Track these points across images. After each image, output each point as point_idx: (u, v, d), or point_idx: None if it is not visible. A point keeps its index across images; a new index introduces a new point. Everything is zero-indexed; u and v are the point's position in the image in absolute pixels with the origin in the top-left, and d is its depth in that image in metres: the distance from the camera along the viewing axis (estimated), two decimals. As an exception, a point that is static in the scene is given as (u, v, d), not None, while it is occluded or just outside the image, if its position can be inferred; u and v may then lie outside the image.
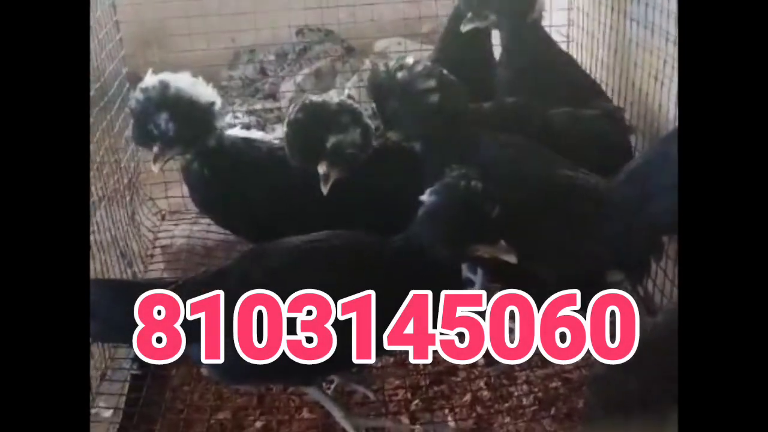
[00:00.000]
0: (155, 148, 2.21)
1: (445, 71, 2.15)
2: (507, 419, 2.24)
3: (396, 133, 2.19)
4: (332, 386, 2.33)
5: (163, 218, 3.36)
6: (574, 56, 3.32)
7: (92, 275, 2.38)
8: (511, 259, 1.79)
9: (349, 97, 2.22)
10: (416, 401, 2.34)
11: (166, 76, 2.20)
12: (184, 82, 2.21)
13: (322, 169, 2.09)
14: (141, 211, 3.26)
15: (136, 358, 2.49)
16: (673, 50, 2.24)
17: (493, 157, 2.03)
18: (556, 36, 3.24)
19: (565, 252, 1.95)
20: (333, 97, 2.18)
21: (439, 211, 1.81)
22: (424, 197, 1.83)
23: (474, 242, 1.83)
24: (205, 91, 2.24)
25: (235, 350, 1.88)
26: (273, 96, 4.36)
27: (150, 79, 2.20)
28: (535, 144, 2.10)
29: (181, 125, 2.17)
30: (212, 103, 2.24)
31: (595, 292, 2.09)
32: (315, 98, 2.16)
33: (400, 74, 2.13)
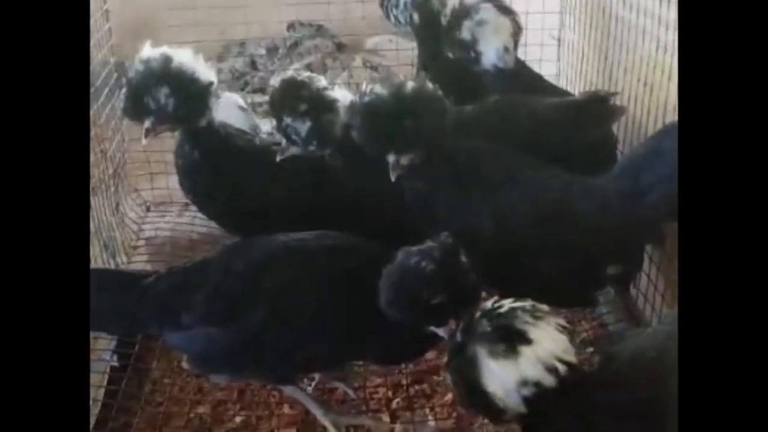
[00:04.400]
0: (147, 122, 2.15)
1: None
2: (486, 419, 2.24)
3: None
4: (313, 383, 2.32)
5: (148, 210, 3.34)
6: (565, 59, 3.35)
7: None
8: None
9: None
10: (397, 400, 2.34)
11: (169, 50, 2.15)
12: (186, 57, 2.16)
13: (392, 156, 1.99)
14: (126, 202, 3.23)
15: (116, 350, 2.48)
16: (662, 56, 2.25)
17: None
18: (547, 39, 3.26)
19: (564, 247, 1.96)
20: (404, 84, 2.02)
21: (390, 285, 1.76)
22: (399, 253, 1.79)
23: (427, 321, 1.78)
24: (205, 70, 2.19)
25: (213, 339, 1.89)
26: (262, 90, 4.33)
27: (151, 51, 2.14)
28: (518, 161, 2.08)
29: (180, 101, 2.12)
30: (211, 83, 2.19)
31: (596, 285, 2.11)
32: (381, 89, 2.00)
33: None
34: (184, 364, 2.10)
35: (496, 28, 2.53)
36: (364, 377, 2.40)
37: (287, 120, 2.19)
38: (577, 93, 3.08)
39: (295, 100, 2.19)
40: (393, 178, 1.98)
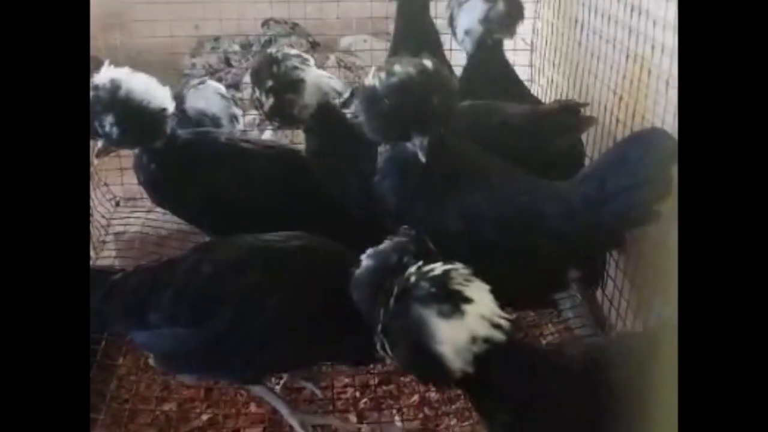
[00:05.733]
0: (99, 144, 2.18)
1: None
2: (453, 421, 2.27)
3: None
4: (281, 382, 2.33)
5: (117, 204, 3.31)
6: (537, 65, 3.38)
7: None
8: None
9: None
10: (364, 400, 2.36)
11: (120, 75, 2.15)
12: (137, 83, 2.16)
13: (418, 140, 1.94)
14: (95, 196, 3.20)
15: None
16: (632, 66, 2.29)
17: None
18: (520, 43, 3.29)
19: (527, 249, 1.98)
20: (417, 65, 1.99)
21: (366, 283, 1.75)
22: (363, 256, 1.79)
23: None
24: (157, 95, 2.20)
25: (179, 339, 1.89)
26: (236, 86, 4.31)
27: (102, 77, 2.15)
28: (488, 162, 2.10)
29: (125, 130, 2.14)
30: (163, 109, 2.20)
31: (557, 288, 2.14)
32: (405, 68, 1.95)
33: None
34: (151, 362, 2.09)
35: (467, 10, 2.71)
36: (331, 377, 2.41)
37: (256, 93, 2.25)
38: (548, 99, 3.13)
39: (264, 75, 2.23)
40: (423, 159, 1.93)
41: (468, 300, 1.45)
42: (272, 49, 2.33)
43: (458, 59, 2.95)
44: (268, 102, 2.22)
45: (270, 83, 2.21)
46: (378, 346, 1.54)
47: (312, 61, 2.32)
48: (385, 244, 1.79)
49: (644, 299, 2.20)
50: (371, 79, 1.97)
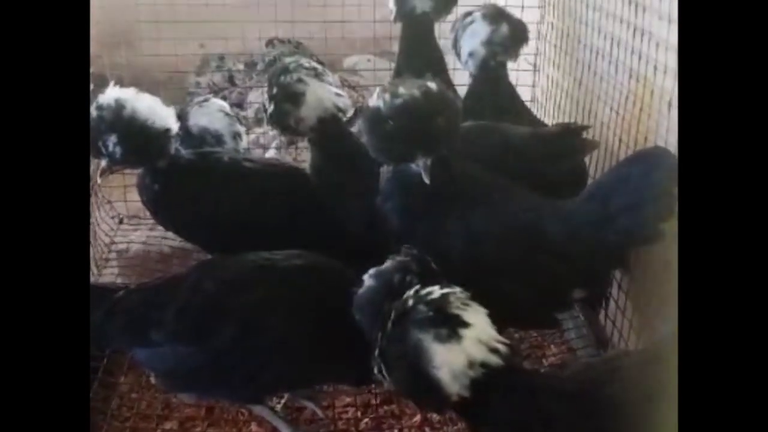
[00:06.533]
0: (103, 163, 2.20)
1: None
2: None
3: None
4: (282, 402, 2.32)
5: (120, 222, 3.32)
6: (541, 85, 3.40)
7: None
8: None
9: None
10: (366, 420, 2.34)
11: (125, 95, 2.17)
12: (141, 103, 2.17)
13: (422, 161, 1.94)
14: (98, 214, 3.21)
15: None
16: (635, 86, 2.29)
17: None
18: (523, 64, 3.30)
19: (530, 269, 1.97)
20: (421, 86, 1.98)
21: (369, 303, 1.75)
22: (365, 276, 1.79)
23: None
24: (162, 116, 2.21)
25: (181, 357, 1.88)
26: (240, 105, 4.34)
27: (107, 96, 2.16)
28: (491, 181, 2.09)
29: (129, 150, 2.16)
30: (167, 130, 2.22)
31: (561, 308, 2.14)
32: (409, 89, 1.95)
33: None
34: (153, 380, 2.09)
35: (471, 33, 2.74)
36: (332, 397, 2.40)
37: (265, 97, 2.32)
38: (550, 120, 3.14)
39: (273, 82, 2.28)
40: (427, 180, 1.93)
41: (465, 324, 1.45)
42: (290, 59, 2.35)
43: (462, 79, 2.97)
44: (270, 109, 2.28)
45: (274, 90, 2.26)
46: (375, 370, 1.54)
47: (329, 76, 2.34)
48: (388, 264, 1.79)
49: (647, 320, 2.19)
50: (375, 101, 1.97)
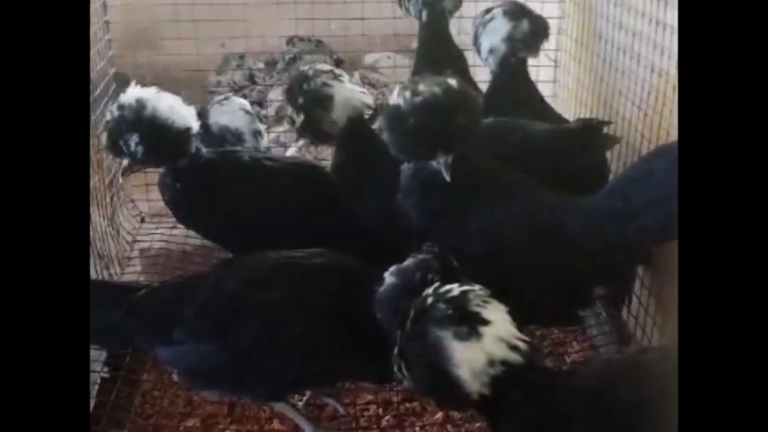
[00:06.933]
0: (125, 162, 2.22)
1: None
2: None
3: None
4: (303, 399, 2.32)
5: (142, 221, 3.34)
6: (562, 80, 3.37)
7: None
8: None
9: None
10: (387, 417, 2.34)
11: (146, 94, 2.17)
12: (162, 103, 2.18)
13: (443, 158, 1.94)
14: (121, 213, 3.24)
15: (107, 362, 2.47)
16: (657, 81, 2.27)
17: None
18: (544, 59, 3.28)
19: (552, 266, 1.96)
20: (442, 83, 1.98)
21: (390, 301, 1.75)
22: (386, 275, 1.79)
23: None
24: (182, 115, 2.21)
25: (203, 355, 1.89)
26: (260, 103, 4.35)
27: (128, 96, 2.17)
28: (512, 178, 2.09)
29: (150, 148, 2.16)
30: (188, 128, 2.22)
31: (583, 305, 2.12)
32: (430, 87, 1.95)
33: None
34: (175, 377, 2.10)
35: (491, 29, 2.73)
36: (354, 394, 2.40)
37: (289, 111, 2.33)
38: (571, 116, 3.11)
39: (295, 92, 2.29)
40: (448, 178, 1.93)
41: (485, 322, 1.44)
42: (305, 67, 2.35)
43: (483, 76, 2.95)
44: (299, 119, 2.27)
45: (301, 100, 2.26)
46: (395, 368, 1.53)
47: (346, 77, 2.34)
48: (409, 262, 1.78)
49: (670, 316, 2.17)
50: (396, 98, 1.97)
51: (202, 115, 2.70)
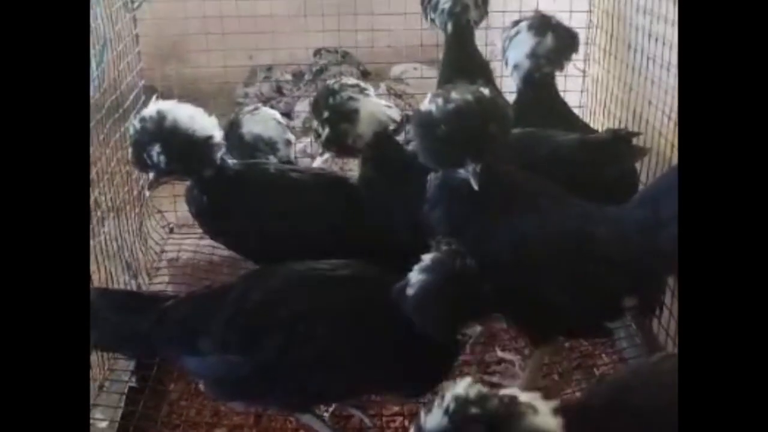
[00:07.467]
0: (150, 175, 2.23)
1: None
2: None
3: None
4: (329, 410, 2.32)
5: (170, 231, 3.37)
6: (590, 90, 3.35)
7: (96, 284, 2.39)
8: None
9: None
10: (413, 429, 2.32)
11: (166, 106, 2.19)
12: (182, 113, 2.19)
13: (471, 167, 1.92)
14: (149, 223, 3.27)
15: (135, 371, 2.49)
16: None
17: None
18: (572, 69, 3.26)
19: (580, 277, 1.93)
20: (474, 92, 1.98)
21: (430, 295, 1.75)
22: (413, 274, 1.78)
23: (468, 324, 1.81)
24: (203, 125, 2.22)
25: (229, 366, 1.89)
26: (288, 115, 4.38)
27: (149, 110, 2.19)
28: (539, 188, 2.07)
29: (173, 158, 2.17)
30: (210, 137, 2.22)
31: (611, 317, 2.09)
32: (462, 95, 1.94)
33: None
34: (202, 388, 2.10)
35: (516, 44, 2.72)
36: (380, 405, 2.38)
37: (314, 125, 2.31)
38: (600, 125, 3.09)
39: (321, 106, 2.28)
40: (476, 187, 1.91)
41: None
42: (331, 81, 2.36)
43: (511, 85, 2.94)
44: (325, 133, 2.27)
45: (326, 114, 2.25)
46: None
47: (371, 90, 2.34)
48: (436, 255, 1.78)
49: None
50: (428, 105, 1.96)
51: (234, 125, 2.74)
